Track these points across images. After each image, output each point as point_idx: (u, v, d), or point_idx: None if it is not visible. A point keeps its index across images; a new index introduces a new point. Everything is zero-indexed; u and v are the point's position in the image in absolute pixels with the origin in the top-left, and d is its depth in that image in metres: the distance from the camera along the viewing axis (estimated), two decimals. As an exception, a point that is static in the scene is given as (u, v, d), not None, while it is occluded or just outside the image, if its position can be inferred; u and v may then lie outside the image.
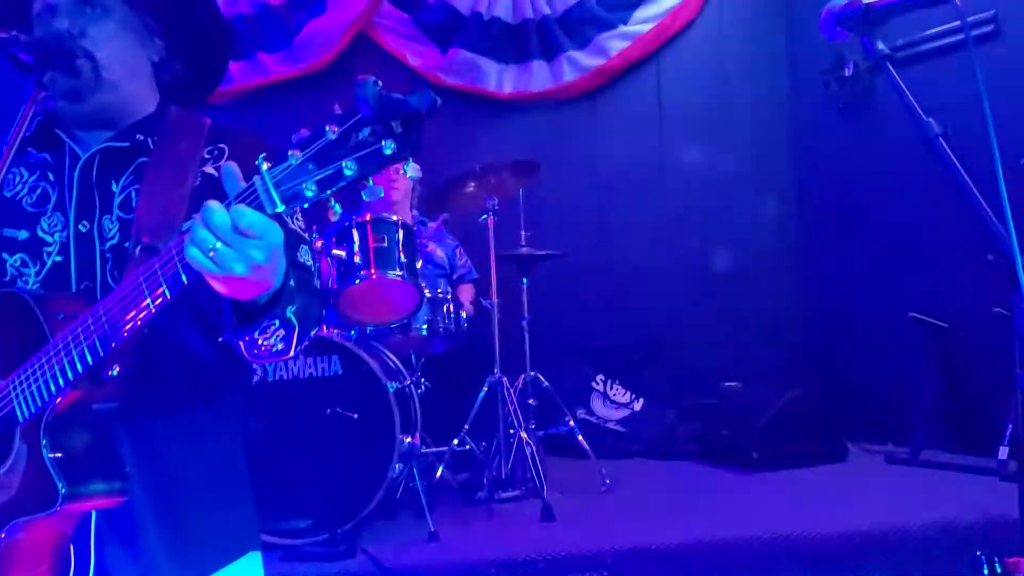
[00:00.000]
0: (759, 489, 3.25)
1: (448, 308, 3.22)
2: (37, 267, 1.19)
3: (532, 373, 3.38)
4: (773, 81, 4.81)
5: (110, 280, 1.17)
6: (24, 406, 1.07)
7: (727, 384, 4.18)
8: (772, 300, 4.69)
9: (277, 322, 1.08)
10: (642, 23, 4.62)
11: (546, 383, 3.41)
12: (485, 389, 3.22)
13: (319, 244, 2.91)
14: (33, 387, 1.06)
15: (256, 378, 2.72)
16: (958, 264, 3.55)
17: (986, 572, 1.28)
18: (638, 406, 4.21)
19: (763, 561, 2.44)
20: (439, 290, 3.28)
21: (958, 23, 3.55)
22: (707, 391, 4.27)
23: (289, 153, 0.87)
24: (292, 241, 1.23)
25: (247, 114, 4.28)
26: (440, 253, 3.71)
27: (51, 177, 1.23)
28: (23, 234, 1.20)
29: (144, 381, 1.13)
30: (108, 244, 1.19)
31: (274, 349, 1.13)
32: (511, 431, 3.21)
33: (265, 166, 0.88)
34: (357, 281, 2.87)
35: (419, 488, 2.80)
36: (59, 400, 1.05)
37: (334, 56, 4.43)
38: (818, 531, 2.50)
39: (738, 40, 4.80)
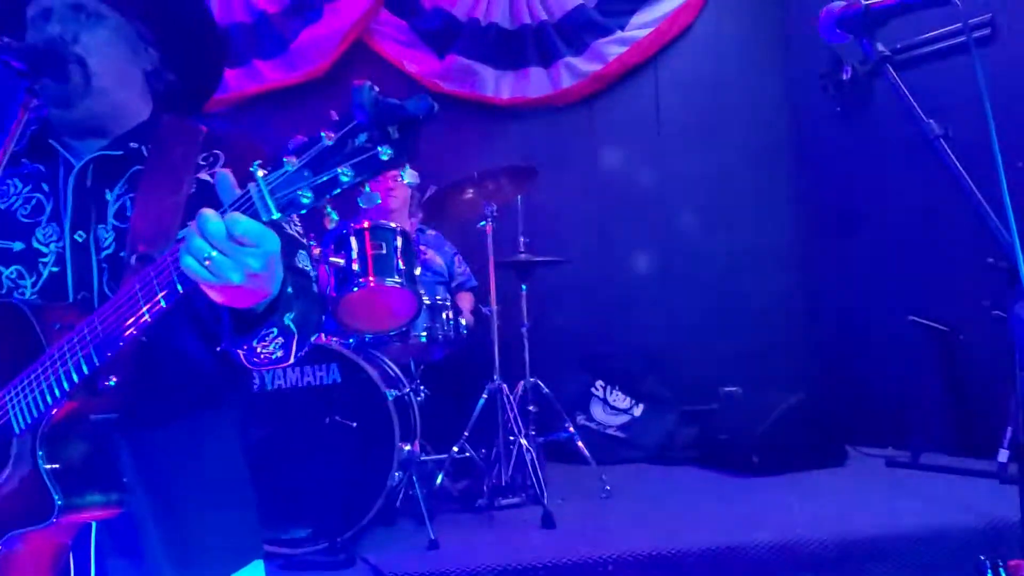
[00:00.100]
0: (760, 494, 3.24)
1: (447, 315, 3.21)
2: (33, 278, 1.18)
3: (532, 379, 3.37)
4: (771, 85, 4.81)
5: (107, 290, 1.16)
6: (20, 417, 1.06)
7: (727, 389, 4.17)
8: (771, 305, 4.68)
9: (275, 330, 1.07)
10: (639, 28, 4.63)
11: (546, 389, 3.40)
12: (485, 396, 3.21)
13: (317, 252, 2.90)
14: (29, 398, 1.05)
15: (255, 387, 2.71)
16: (958, 267, 3.55)
17: (990, 577, 1.27)
18: (638, 412, 4.20)
19: (764, 566, 2.43)
20: (438, 297, 3.27)
21: (956, 26, 3.56)
22: (707, 396, 4.26)
23: (284, 160, 0.86)
24: (290, 246, 1.22)
25: (243, 122, 4.28)
26: (439, 260, 3.71)
27: (45, 187, 1.22)
28: (18, 245, 1.19)
29: (142, 391, 1.12)
30: (104, 254, 1.18)
31: (274, 356, 1.12)
32: (511, 438, 3.19)
33: (260, 173, 0.88)
34: (355, 288, 2.86)
35: (419, 496, 2.79)
36: (55, 411, 1.04)
37: (331, 63, 4.43)
38: (819, 536, 2.49)
39: (736, 44, 4.81)
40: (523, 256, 3.43)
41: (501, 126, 4.65)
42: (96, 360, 1.01)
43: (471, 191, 3.36)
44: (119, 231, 1.18)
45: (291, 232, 1.25)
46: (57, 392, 1.03)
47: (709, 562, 2.43)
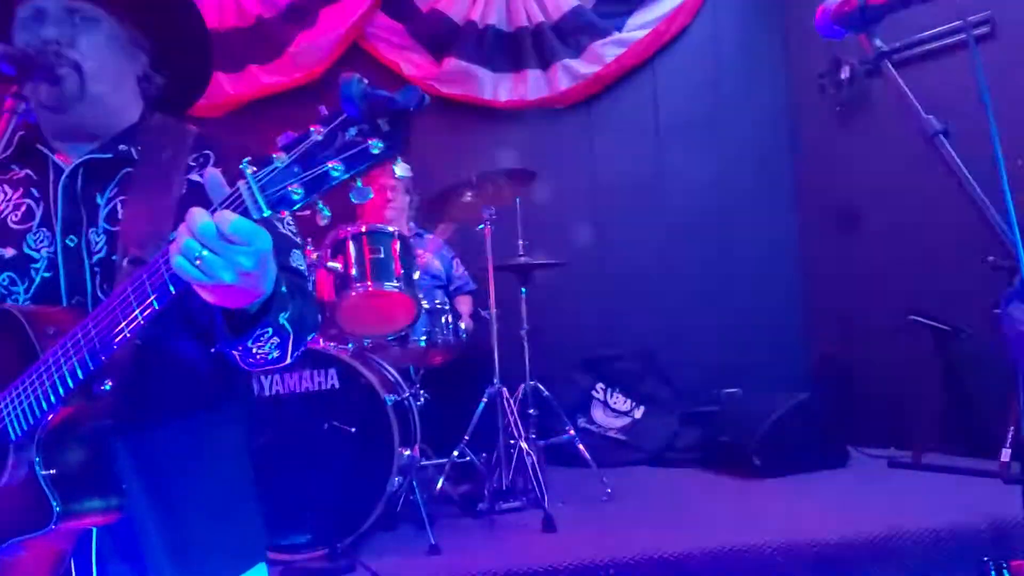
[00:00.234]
0: (761, 496, 3.23)
1: (446, 319, 3.20)
2: (26, 284, 1.17)
3: (532, 383, 3.36)
4: (770, 85, 4.80)
5: (100, 294, 1.16)
6: (16, 424, 1.05)
7: (727, 391, 4.16)
8: (772, 305, 4.67)
9: (270, 330, 1.06)
10: (637, 30, 4.62)
11: (546, 393, 3.39)
12: (485, 400, 3.19)
13: (314, 256, 2.89)
14: (24, 404, 1.04)
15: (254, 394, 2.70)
16: (959, 266, 3.54)
17: (994, 577, 1.26)
18: (639, 414, 4.19)
19: (766, 568, 2.41)
20: (436, 301, 3.27)
21: (956, 24, 3.55)
22: (708, 398, 4.25)
23: (274, 156, 0.85)
24: (284, 245, 1.22)
25: (240, 127, 4.27)
26: (437, 264, 3.70)
27: (35, 192, 1.21)
28: (9, 252, 1.18)
29: (138, 394, 1.11)
30: (96, 257, 1.17)
31: (270, 357, 1.12)
32: (511, 441, 3.18)
33: (250, 170, 0.87)
34: (353, 293, 2.85)
35: (419, 501, 2.78)
36: (51, 416, 1.04)
37: (327, 68, 4.42)
38: (821, 537, 2.47)
39: (734, 44, 4.80)
40: (522, 259, 3.42)
41: (499, 129, 4.64)
42: (90, 364, 1.00)
43: (469, 194, 3.35)
44: (110, 234, 1.17)
45: (284, 231, 1.24)
46: (52, 398, 1.02)
47: (711, 564, 2.42)
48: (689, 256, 4.67)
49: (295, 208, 0.87)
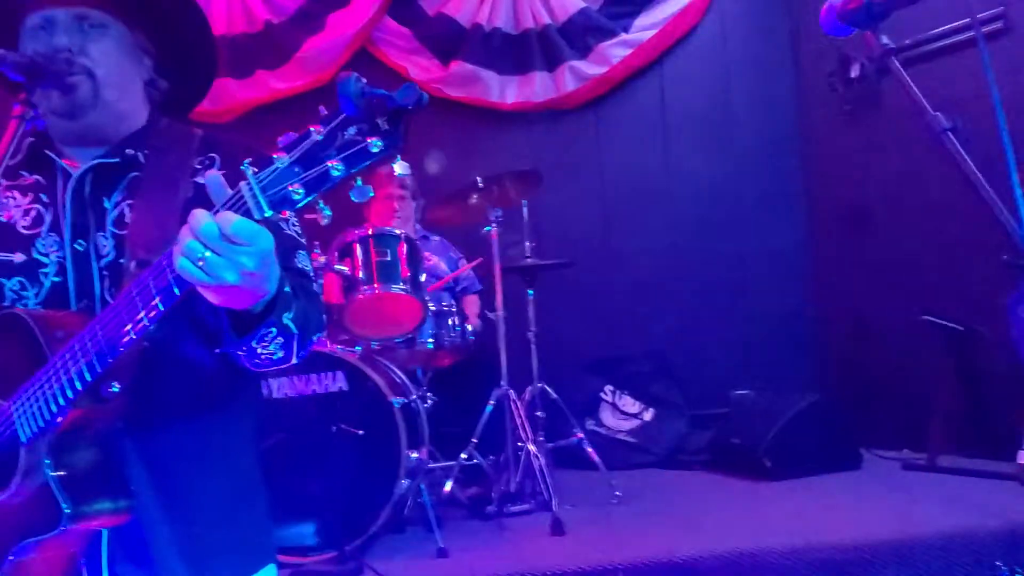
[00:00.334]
0: (772, 498, 3.20)
1: (453, 321, 3.20)
2: (36, 289, 1.18)
3: (540, 385, 3.34)
4: (778, 84, 4.77)
5: (108, 297, 1.17)
6: (27, 426, 1.06)
7: (738, 392, 4.13)
8: (782, 306, 4.64)
9: (274, 330, 1.06)
10: (644, 30, 4.60)
11: (554, 395, 3.38)
12: (492, 402, 3.18)
13: (322, 259, 2.90)
14: (35, 408, 1.06)
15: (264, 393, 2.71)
16: (972, 266, 3.50)
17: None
18: (648, 416, 4.17)
19: (778, 572, 2.39)
20: (443, 303, 3.27)
21: (967, 20, 3.52)
22: (718, 400, 4.22)
23: (275, 157, 0.86)
24: (289, 246, 1.23)
25: (249, 132, 4.28)
26: (443, 267, 3.70)
27: (44, 198, 1.23)
28: (19, 257, 1.19)
29: (147, 396, 1.12)
30: (104, 261, 1.19)
31: (275, 357, 1.12)
32: (520, 444, 3.17)
33: (251, 171, 0.88)
34: (360, 296, 2.86)
35: (427, 503, 2.78)
36: (61, 419, 1.05)
37: (335, 73, 4.44)
38: (833, 540, 2.45)
39: (742, 44, 4.78)
40: (529, 261, 3.41)
41: (506, 131, 4.64)
42: (98, 367, 1.01)
43: (476, 196, 3.35)
44: (118, 238, 1.19)
45: (289, 232, 1.25)
46: (61, 400, 1.03)
47: (722, 568, 2.40)
48: (698, 257, 4.65)
49: (296, 208, 0.88)
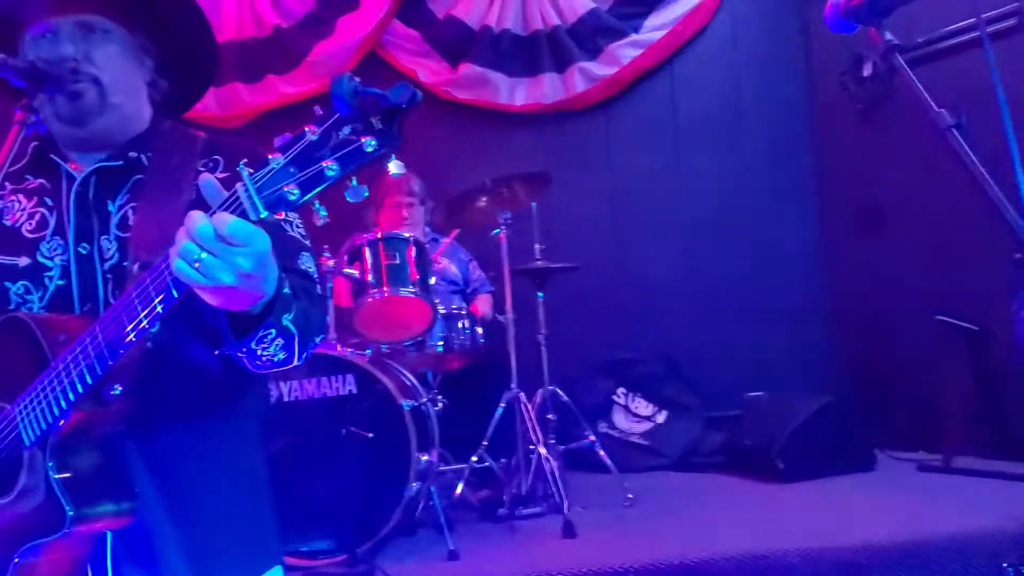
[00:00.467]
0: (786, 500, 3.17)
1: (463, 324, 3.20)
2: (40, 292, 1.19)
3: (551, 388, 3.33)
4: (790, 84, 4.74)
5: (112, 300, 1.17)
6: (29, 429, 1.07)
7: (751, 394, 4.10)
8: (795, 307, 4.61)
9: (273, 331, 1.06)
10: (654, 31, 4.59)
11: (565, 397, 3.36)
12: (503, 405, 3.18)
13: (330, 263, 2.91)
14: (37, 411, 1.06)
15: (272, 397, 2.71)
16: (986, 265, 3.45)
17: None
18: (661, 419, 4.15)
19: (791, 574, 2.36)
20: (453, 306, 3.27)
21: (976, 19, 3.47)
22: (731, 401, 4.19)
23: (270, 157, 0.86)
24: (292, 248, 1.23)
25: (258, 136, 4.30)
26: (453, 269, 3.70)
27: (48, 202, 1.23)
28: (24, 261, 1.20)
29: (149, 398, 1.12)
30: (108, 264, 1.19)
31: (276, 359, 1.12)
32: (531, 447, 3.16)
33: (247, 172, 0.88)
34: (370, 299, 2.86)
35: (438, 506, 2.78)
36: (63, 422, 1.05)
37: (345, 76, 4.46)
38: (847, 542, 2.42)
39: (753, 43, 4.75)
40: (539, 263, 3.40)
41: (515, 133, 4.63)
42: (99, 369, 1.02)
43: (485, 199, 3.35)
44: (122, 241, 1.19)
45: (293, 234, 1.25)
46: (63, 403, 1.04)
47: (735, 571, 2.38)
48: (710, 258, 4.62)
49: (292, 208, 0.88)
